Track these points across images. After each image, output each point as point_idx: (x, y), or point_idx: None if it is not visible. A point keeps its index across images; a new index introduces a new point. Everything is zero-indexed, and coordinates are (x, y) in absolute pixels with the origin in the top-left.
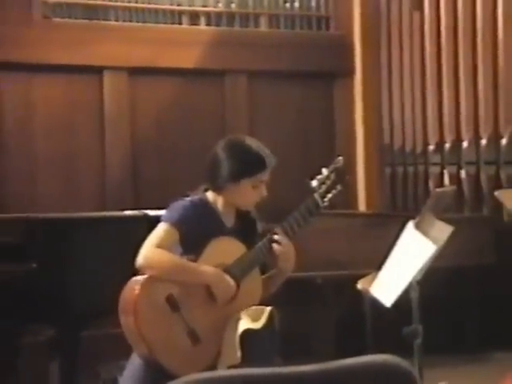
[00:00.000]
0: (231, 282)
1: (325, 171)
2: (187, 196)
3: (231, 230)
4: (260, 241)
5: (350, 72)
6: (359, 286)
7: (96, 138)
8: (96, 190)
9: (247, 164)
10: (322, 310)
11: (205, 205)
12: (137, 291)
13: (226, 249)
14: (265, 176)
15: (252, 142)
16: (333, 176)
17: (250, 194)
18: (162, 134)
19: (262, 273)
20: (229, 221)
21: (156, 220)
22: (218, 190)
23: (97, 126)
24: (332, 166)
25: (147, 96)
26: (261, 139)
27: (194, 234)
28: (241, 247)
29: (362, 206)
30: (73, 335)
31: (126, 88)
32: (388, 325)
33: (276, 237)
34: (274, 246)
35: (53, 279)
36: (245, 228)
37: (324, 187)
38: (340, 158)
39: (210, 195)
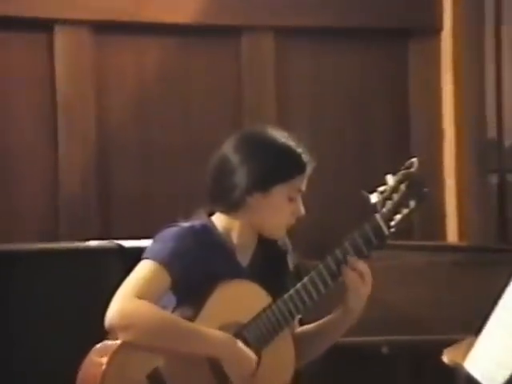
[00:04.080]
0: (250, 354)
1: (391, 180)
2: (182, 221)
3: (248, 271)
4: (291, 283)
5: (435, 29)
6: (446, 358)
7: (43, 130)
8: (44, 208)
9: (278, 163)
10: None
11: (210, 234)
12: (104, 366)
13: (241, 299)
14: (303, 182)
15: (278, 134)
16: (404, 188)
17: (285, 209)
18: (144, 123)
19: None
20: (245, 257)
21: (135, 255)
22: (232, 209)
23: (44, 111)
24: (402, 173)
25: (122, 66)
26: (294, 130)
27: (194, 277)
28: (262, 296)
29: (451, 235)
30: None
31: (88, 53)
32: None
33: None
34: (346, 271)
35: None
36: (269, 266)
37: (390, 205)
38: (415, 159)
39: (217, 220)
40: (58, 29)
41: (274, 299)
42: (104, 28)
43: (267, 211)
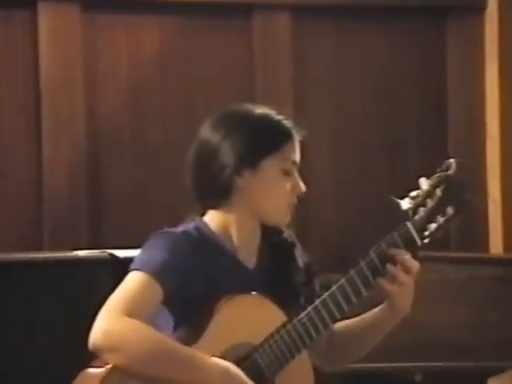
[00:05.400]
0: None
1: (425, 184)
2: (173, 227)
3: (256, 274)
4: (301, 283)
5: (477, 7)
6: None
7: (25, 123)
8: (26, 213)
9: (260, 133)
10: None
11: (205, 236)
12: None
13: (251, 317)
14: (294, 152)
15: (256, 107)
16: (439, 193)
17: (281, 185)
18: (140, 114)
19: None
20: (249, 257)
21: (129, 266)
22: (223, 198)
23: (26, 101)
24: (438, 176)
25: (115, 48)
26: (312, 121)
27: (192, 290)
28: (275, 312)
29: (494, 247)
30: None
31: (77, 34)
32: None
33: (395, 251)
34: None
35: None
36: (277, 265)
37: (424, 212)
38: (453, 160)
39: (211, 219)
40: (41, 5)
41: (285, 306)
42: (95, 4)
43: (261, 190)
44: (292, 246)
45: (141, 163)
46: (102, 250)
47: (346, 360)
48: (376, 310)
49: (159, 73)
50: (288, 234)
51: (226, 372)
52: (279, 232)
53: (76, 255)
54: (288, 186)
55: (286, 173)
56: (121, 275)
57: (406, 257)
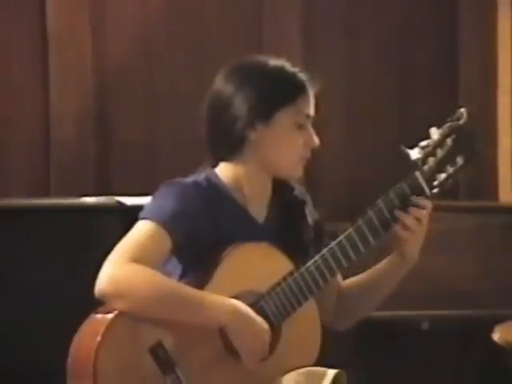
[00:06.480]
0: (263, 325)
1: (436, 133)
2: (183, 176)
3: (265, 227)
4: (311, 239)
5: None
6: (497, 336)
7: (32, 71)
8: (33, 160)
9: (274, 85)
10: (429, 374)
11: (216, 188)
12: (99, 338)
13: (258, 265)
14: (308, 106)
15: (271, 59)
16: (450, 142)
17: (295, 139)
18: (149, 61)
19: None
20: (259, 210)
21: (138, 214)
22: (236, 150)
23: (33, 49)
24: (449, 125)
25: None
26: (321, 71)
27: (201, 240)
28: (282, 261)
29: (504, 195)
30: None
31: None
32: None
33: (416, 199)
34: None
35: None
36: (286, 220)
37: (433, 162)
38: (464, 109)
39: (223, 171)
40: None
41: (295, 263)
42: None
43: (275, 144)
44: (302, 203)
45: (149, 112)
46: (109, 197)
47: (355, 316)
48: (383, 261)
49: (168, 22)
50: (299, 191)
51: (235, 310)
52: (290, 188)
53: (83, 201)
54: (301, 139)
55: (300, 126)
56: (128, 222)
57: (421, 200)
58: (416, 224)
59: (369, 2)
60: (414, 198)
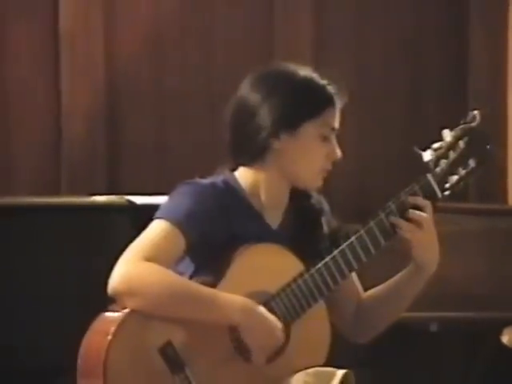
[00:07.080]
0: (275, 323)
1: (448, 136)
2: (201, 178)
3: (278, 234)
4: (326, 247)
5: None
6: (506, 339)
7: (43, 68)
8: (44, 158)
9: (302, 96)
10: (438, 376)
11: (233, 191)
12: (110, 337)
13: (269, 265)
14: (334, 118)
15: (299, 67)
16: (463, 145)
17: (318, 151)
18: (160, 59)
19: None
20: (274, 218)
21: (148, 214)
22: (258, 157)
23: (44, 45)
24: (462, 127)
25: None
26: (332, 71)
27: (214, 242)
28: (293, 262)
29: None
30: None
31: None
32: None
33: (414, 199)
34: (400, 223)
35: None
36: (302, 228)
37: (445, 164)
38: (477, 112)
39: (242, 176)
40: None
41: (307, 266)
42: None
43: (298, 154)
44: (319, 211)
45: (160, 111)
46: (120, 196)
47: (375, 328)
48: (401, 272)
49: (179, 20)
50: (316, 200)
51: (248, 308)
52: (308, 196)
53: (93, 200)
54: (324, 151)
55: (324, 138)
56: (138, 221)
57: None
58: (414, 226)
59: (379, 4)
60: (411, 199)
